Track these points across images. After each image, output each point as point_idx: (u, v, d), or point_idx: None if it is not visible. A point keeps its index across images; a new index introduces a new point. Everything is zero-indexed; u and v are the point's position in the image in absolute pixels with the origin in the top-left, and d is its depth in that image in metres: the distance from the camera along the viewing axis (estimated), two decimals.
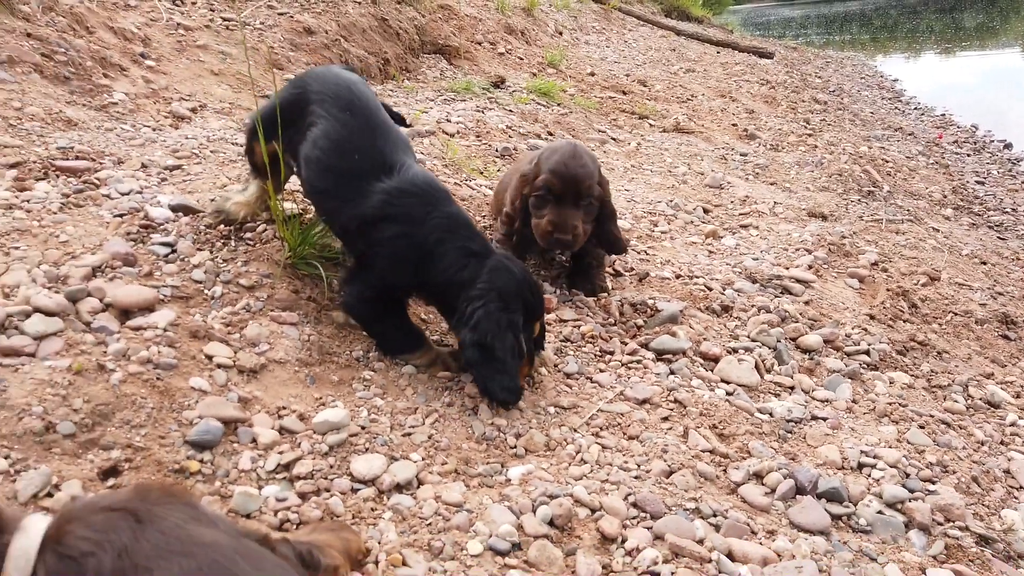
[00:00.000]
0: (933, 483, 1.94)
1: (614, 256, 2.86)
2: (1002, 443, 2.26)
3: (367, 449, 1.71)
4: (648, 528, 1.60)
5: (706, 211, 3.94)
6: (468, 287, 1.93)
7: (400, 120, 2.56)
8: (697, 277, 2.95)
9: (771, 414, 2.16)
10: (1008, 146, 7.62)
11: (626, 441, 1.93)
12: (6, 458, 1.41)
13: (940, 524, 1.80)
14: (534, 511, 1.59)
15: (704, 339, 2.48)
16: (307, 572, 1.22)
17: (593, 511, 1.63)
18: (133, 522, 0.94)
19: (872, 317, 2.90)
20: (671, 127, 5.87)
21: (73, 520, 0.94)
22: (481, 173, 3.63)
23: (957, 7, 24.65)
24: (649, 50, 10.10)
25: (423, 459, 1.73)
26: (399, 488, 1.63)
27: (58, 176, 2.37)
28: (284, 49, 4.32)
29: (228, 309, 1.98)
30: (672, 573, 1.48)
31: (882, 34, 20.40)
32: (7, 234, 1.99)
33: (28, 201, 2.17)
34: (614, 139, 5.21)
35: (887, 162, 5.84)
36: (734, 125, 6.46)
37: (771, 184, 4.83)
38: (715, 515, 1.68)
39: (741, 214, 3.98)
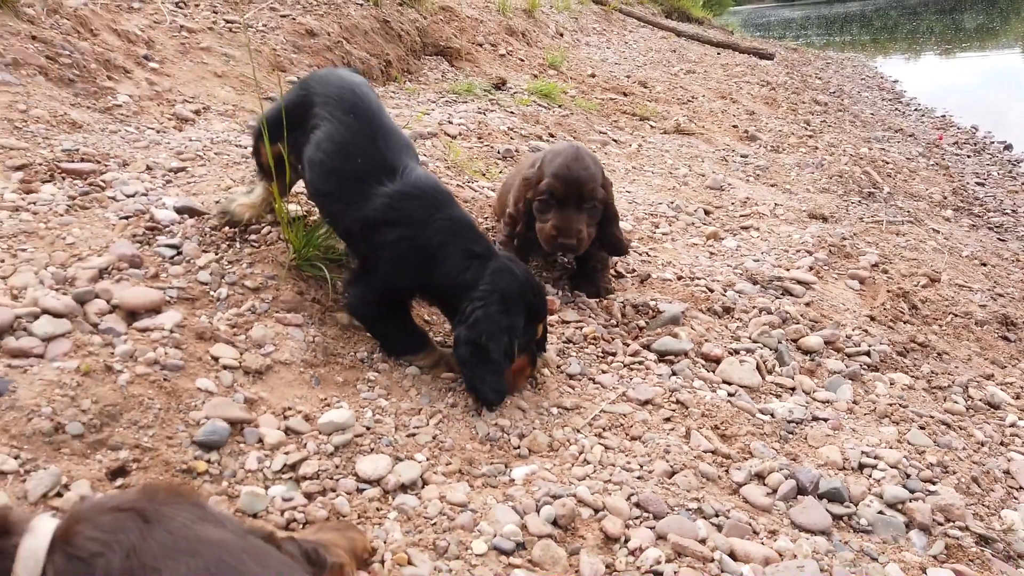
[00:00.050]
0: (933, 483, 1.95)
1: (615, 258, 2.88)
2: (1002, 444, 2.28)
3: (372, 449, 1.73)
4: (651, 528, 1.61)
5: (707, 213, 3.95)
6: (471, 289, 1.94)
7: None
8: (698, 279, 2.97)
9: (772, 415, 2.18)
10: (1008, 147, 7.64)
11: (629, 442, 1.94)
12: (16, 458, 1.42)
13: (940, 524, 1.82)
14: (538, 511, 1.60)
15: (706, 340, 2.50)
16: (313, 570, 1.24)
17: (596, 511, 1.64)
18: (141, 522, 0.95)
19: (872, 318, 2.91)
20: (672, 128, 5.88)
21: (81, 521, 0.95)
22: (483, 175, 3.64)
23: (957, 8, 24.67)
24: (650, 51, 10.12)
25: (428, 459, 1.74)
26: (404, 488, 1.65)
27: (64, 178, 2.38)
28: (287, 51, 4.34)
29: (234, 311, 1.99)
30: (675, 572, 1.50)
31: (882, 35, 20.42)
32: (14, 236, 2.01)
33: (35, 203, 2.18)
34: (615, 141, 5.23)
35: (887, 163, 5.85)
36: (735, 127, 6.48)
37: (772, 186, 4.85)
38: (717, 515, 1.69)
39: (742, 216, 4.00)
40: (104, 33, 3.51)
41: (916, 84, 11.56)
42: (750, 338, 2.58)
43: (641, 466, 1.83)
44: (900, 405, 2.34)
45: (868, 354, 2.60)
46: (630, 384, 2.19)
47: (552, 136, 4.72)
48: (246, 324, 1.97)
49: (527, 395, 2.07)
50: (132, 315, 1.84)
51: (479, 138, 4.16)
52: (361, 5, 5.21)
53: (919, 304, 3.13)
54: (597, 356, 2.36)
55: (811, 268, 3.24)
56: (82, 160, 2.50)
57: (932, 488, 1.93)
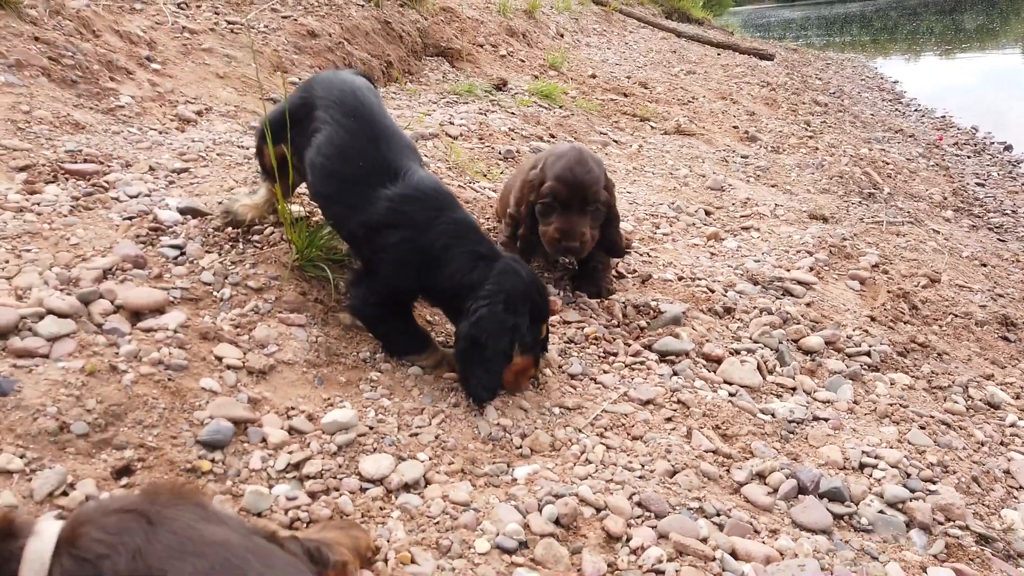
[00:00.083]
0: (934, 483, 1.96)
1: (614, 259, 2.88)
2: (1002, 444, 2.29)
3: (375, 449, 1.74)
4: (652, 527, 1.62)
5: (708, 213, 3.96)
6: (476, 289, 1.95)
7: None
8: (699, 279, 2.98)
9: (773, 415, 2.18)
10: (1008, 148, 7.64)
11: (630, 441, 1.95)
12: (22, 457, 1.43)
13: (941, 523, 1.83)
14: (540, 510, 1.61)
15: (707, 341, 2.51)
16: (316, 568, 1.24)
17: (598, 510, 1.65)
18: (145, 523, 0.96)
19: (873, 319, 2.92)
20: (672, 129, 5.89)
21: (86, 523, 0.96)
22: (484, 176, 3.65)
23: (957, 9, 24.68)
24: (650, 52, 10.13)
25: (430, 459, 1.75)
26: (407, 487, 1.65)
27: (67, 179, 2.39)
28: (288, 52, 4.35)
29: (237, 311, 2.00)
30: (677, 571, 1.51)
31: (882, 36, 20.43)
32: (18, 236, 2.02)
33: (38, 204, 2.19)
34: (616, 141, 5.24)
35: (887, 164, 5.86)
36: (735, 127, 6.49)
37: (772, 186, 4.85)
38: (719, 514, 1.70)
39: (742, 216, 4.00)
40: (106, 34, 3.52)
41: (916, 85, 11.57)
42: (751, 338, 2.59)
43: (643, 465, 1.84)
44: (900, 405, 2.35)
45: (868, 354, 2.61)
46: (631, 384, 2.20)
47: (553, 137, 4.73)
48: (249, 324, 1.98)
49: (529, 395, 2.08)
50: (136, 315, 1.85)
51: (480, 139, 4.17)
52: (362, 6, 5.22)
53: (919, 304, 3.14)
54: (599, 356, 2.36)
55: (811, 269, 3.25)
56: (85, 161, 2.51)
57: (932, 488, 1.93)
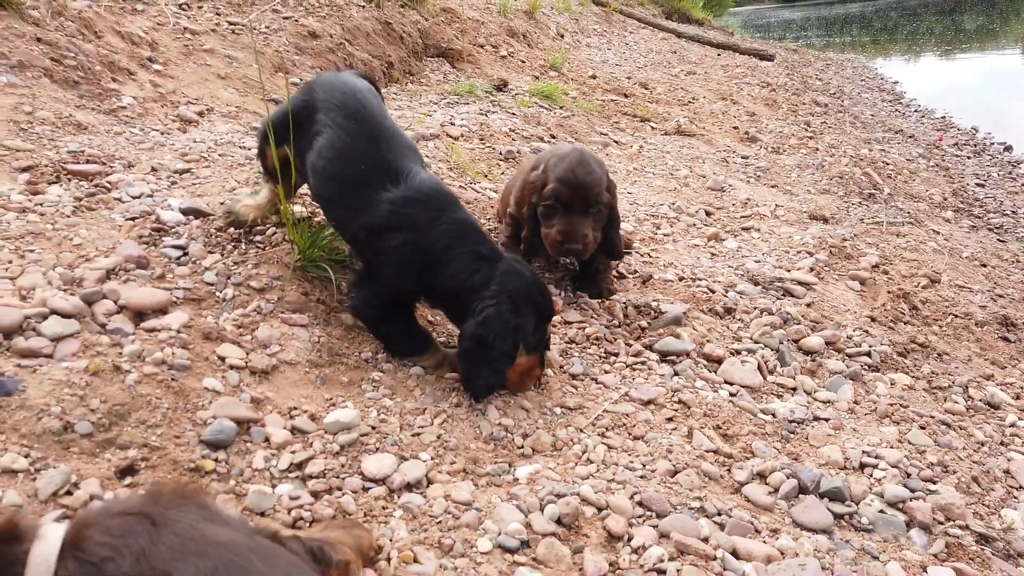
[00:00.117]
0: (934, 483, 1.97)
1: (612, 261, 2.88)
2: (1002, 444, 2.29)
3: (377, 449, 1.75)
4: (654, 526, 1.63)
5: (708, 214, 3.97)
6: (480, 291, 1.96)
7: None
8: (700, 279, 2.98)
9: (774, 415, 2.19)
10: (1008, 148, 7.65)
11: (631, 441, 1.96)
12: (26, 457, 1.44)
13: (941, 523, 1.83)
14: (542, 510, 1.62)
15: (707, 341, 2.51)
16: (319, 567, 1.25)
17: (600, 510, 1.66)
18: (149, 525, 0.96)
19: (873, 319, 2.93)
20: (672, 130, 5.90)
21: (90, 526, 0.96)
22: (485, 176, 3.66)
23: (957, 9, 24.69)
24: (650, 53, 10.14)
25: (432, 459, 1.76)
26: (409, 487, 1.66)
27: (70, 180, 2.40)
28: (289, 53, 4.36)
29: (239, 311, 2.01)
30: (678, 570, 1.51)
31: (882, 36, 20.44)
32: (22, 237, 2.03)
33: (41, 204, 2.20)
34: (616, 142, 5.25)
35: (887, 165, 5.87)
36: (735, 128, 6.50)
37: (772, 187, 4.86)
38: (720, 514, 1.70)
39: (743, 217, 4.01)
40: (108, 35, 3.52)
41: (916, 85, 11.58)
42: (751, 339, 2.59)
43: (644, 465, 1.85)
44: (901, 405, 2.36)
45: (869, 354, 2.62)
46: (632, 384, 2.21)
47: (554, 137, 4.74)
48: (252, 324, 1.99)
49: (530, 395, 2.09)
50: (139, 315, 1.86)
51: (481, 139, 4.18)
52: (363, 7, 5.23)
53: (919, 305, 3.15)
54: (600, 356, 2.37)
55: (812, 269, 3.26)
56: (88, 162, 2.52)
57: (932, 487, 1.94)
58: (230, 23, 4.28)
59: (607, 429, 1.99)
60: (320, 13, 4.83)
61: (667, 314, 2.58)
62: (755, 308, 2.79)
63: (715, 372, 2.37)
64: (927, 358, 2.74)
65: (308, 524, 1.51)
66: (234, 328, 1.95)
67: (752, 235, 3.71)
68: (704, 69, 9.68)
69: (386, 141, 2.12)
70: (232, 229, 2.29)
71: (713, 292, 2.88)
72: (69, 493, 1.42)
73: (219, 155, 2.90)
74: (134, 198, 2.36)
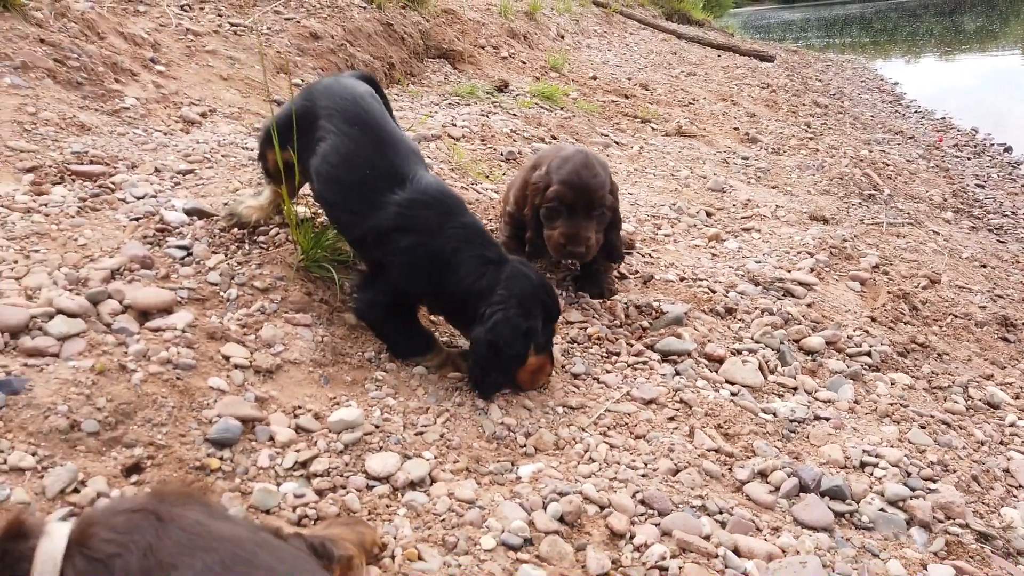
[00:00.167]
0: (934, 482, 1.98)
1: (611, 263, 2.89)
2: (1001, 443, 2.30)
3: (381, 447, 1.76)
4: (656, 524, 1.64)
5: (709, 215, 3.98)
6: (487, 295, 1.97)
7: None
8: (701, 280, 2.99)
9: (775, 414, 2.20)
10: (1008, 149, 7.67)
11: (633, 440, 1.97)
12: (34, 455, 1.45)
13: (941, 521, 1.84)
14: (544, 508, 1.63)
15: (708, 341, 2.53)
16: (321, 563, 1.26)
17: (602, 508, 1.67)
18: (155, 521, 0.97)
19: (873, 319, 2.94)
20: (673, 131, 5.91)
21: (96, 523, 0.97)
22: (487, 177, 3.67)
23: (957, 10, 24.72)
24: (650, 54, 10.15)
25: (435, 457, 1.77)
26: (413, 485, 1.67)
27: (74, 180, 2.41)
28: (291, 54, 4.37)
29: (243, 311, 2.02)
30: (680, 568, 1.52)
31: (882, 37, 20.47)
32: (27, 237, 2.04)
33: (46, 205, 2.21)
34: (617, 143, 5.26)
35: (888, 165, 5.88)
36: (735, 129, 6.51)
37: (773, 188, 4.88)
38: (721, 512, 1.72)
39: (743, 217, 4.02)
40: (111, 36, 3.54)
41: (916, 86, 11.60)
42: (752, 338, 2.60)
43: (646, 464, 1.86)
44: (901, 405, 2.37)
45: (869, 354, 2.63)
46: (634, 384, 2.22)
47: (555, 138, 4.75)
48: (256, 324, 2.00)
49: (533, 394, 2.10)
50: (144, 315, 1.87)
51: (482, 140, 4.19)
52: (364, 8, 5.24)
53: (919, 305, 3.16)
54: (601, 356, 2.38)
55: (812, 269, 3.27)
56: (91, 162, 2.53)
57: (933, 486, 1.95)
58: (232, 24, 4.29)
59: (609, 428, 2.01)
60: (322, 14, 4.84)
61: (668, 314, 2.59)
62: (756, 308, 2.80)
63: (716, 372, 2.38)
64: (927, 358, 2.76)
65: (313, 522, 1.52)
66: (238, 328, 1.96)
67: (753, 236, 3.72)
68: (704, 70, 9.70)
69: (391, 145, 2.13)
70: (236, 230, 2.30)
71: (714, 292, 2.89)
72: (76, 491, 1.43)
73: (222, 156, 2.91)
74: (138, 199, 2.37)
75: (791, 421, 2.18)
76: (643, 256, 3.17)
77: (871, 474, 1.99)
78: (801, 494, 1.86)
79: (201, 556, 0.96)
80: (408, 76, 5.31)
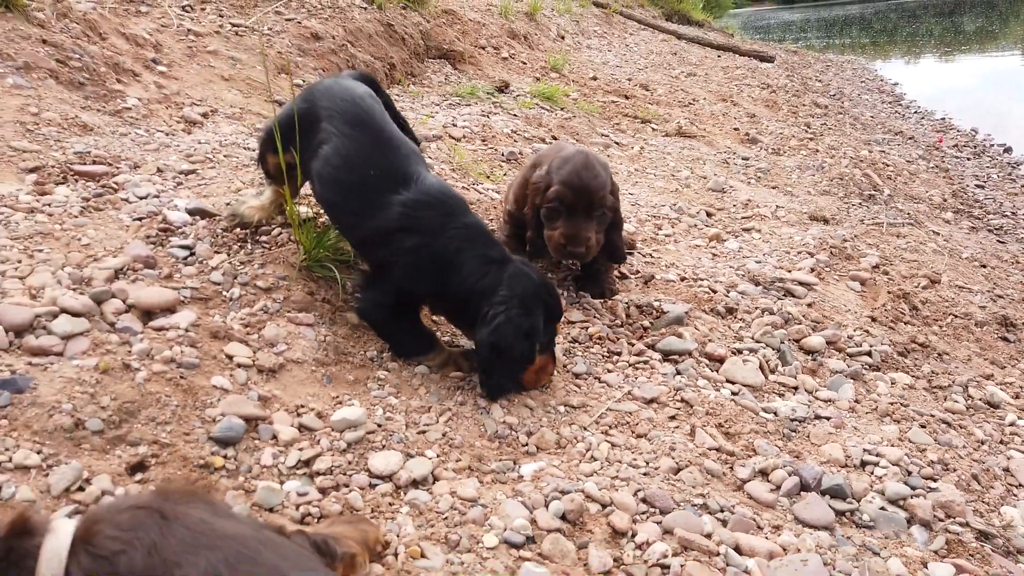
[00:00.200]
0: (934, 480, 1.99)
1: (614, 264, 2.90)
2: (1001, 442, 2.31)
3: (384, 446, 1.76)
4: (657, 523, 1.65)
5: (709, 215, 3.99)
6: (490, 294, 1.98)
7: (413, 139, 2.63)
8: (701, 280, 3.00)
9: (775, 413, 2.21)
10: (1008, 150, 7.68)
11: (635, 439, 1.98)
12: (38, 453, 1.45)
13: (941, 520, 1.85)
14: (546, 506, 1.64)
15: (709, 340, 2.53)
16: (324, 560, 1.27)
17: (604, 506, 1.68)
18: (159, 519, 0.98)
19: (873, 319, 2.95)
20: (673, 131, 5.92)
21: (100, 520, 0.97)
22: (488, 177, 3.68)
23: (956, 11, 24.74)
24: (650, 54, 10.16)
25: (438, 456, 1.78)
26: (415, 484, 1.68)
27: (77, 180, 2.42)
28: (292, 54, 4.38)
29: (246, 310, 2.03)
30: (682, 566, 1.53)
31: (882, 38, 20.48)
32: (30, 237, 2.05)
33: (49, 205, 2.22)
34: (617, 143, 5.27)
35: (888, 166, 5.89)
36: (736, 129, 6.52)
37: (773, 188, 4.88)
38: (722, 510, 1.72)
39: (743, 218, 4.03)
40: (113, 37, 3.54)
41: (916, 87, 11.61)
42: (753, 338, 2.61)
43: (647, 463, 1.87)
44: (901, 404, 2.38)
45: (869, 354, 2.64)
46: (635, 383, 2.23)
47: (555, 139, 4.76)
48: (259, 323, 2.01)
49: (535, 394, 2.11)
50: (148, 314, 1.88)
51: (483, 140, 4.20)
52: (365, 9, 5.25)
53: (919, 305, 3.17)
54: (603, 356, 2.39)
55: (812, 269, 3.28)
56: (94, 162, 2.54)
57: (933, 485, 1.96)
58: (233, 25, 4.30)
59: (610, 427, 2.01)
60: (322, 15, 4.85)
61: (669, 314, 2.60)
62: (756, 308, 2.81)
63: (717, 371, 2.39)
64: (927, 358, 2.76)
65: (316, 520, 1.53)
66: (241, 327, 1.97)
67: (753, 236, 3.73)
68: (704, 71, 9.71)
69: (393, 146, 2.14)
70: (238, 229, 2.31)
71: (715, 292, 2.90)
72: (81, 489, 1.43)
73: (224, 156, 2.92)
74: (141, 199, 2.38)
75: (792, 420, 2.19)
76: (644, 256, 3.18)
77: (872, 473, 2.00)
78: (802, 493, 1.87)
79: (205, 554, 0.97)
80: (409, 76, 5.32)
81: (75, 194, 2.31)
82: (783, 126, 7.05)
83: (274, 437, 1.70)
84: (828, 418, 2.23)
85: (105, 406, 1.58)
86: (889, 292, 3.20)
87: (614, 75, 7.76)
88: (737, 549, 1.61)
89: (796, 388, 2.39)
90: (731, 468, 1.92)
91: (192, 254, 2.16)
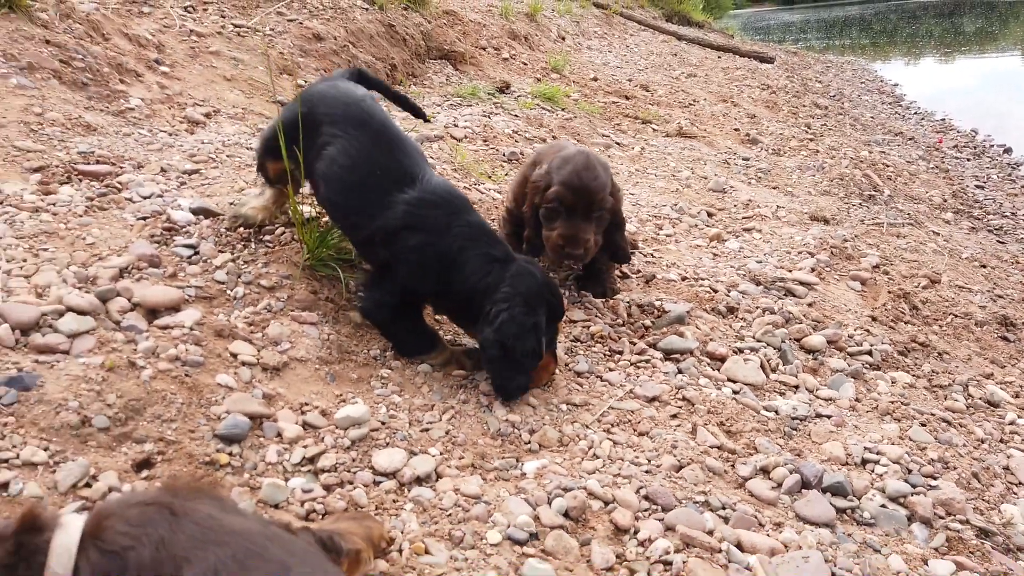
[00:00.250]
0: (935, 478, 2.00)
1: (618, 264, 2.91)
2: (1001, 441, 2.32)
3: (387, 444, 1.77)
4: (660, 520, 1.66)
5: (710, 215, 4.00)
6: (492, 292, 1.99)
7: (419, 114, 2.75)
8: (702, 279, 3.01)
9: (777, 412, 2.22)
10: (1007, 150, 7.69)
11: (636, 437, 1.99)
12: (45, 450, 1.47)
13: (941, 517, 1.86)
14: (549, 503, 1.65)
15: (710, 339, 2.54)
16: (330, 556, 1.28)
17: (606, 503, 1.69)
18: (168, 515, 0.99)
19: (874, 319, 2.96)
20: (674, 132, 5.93)
21: (110, 516, 0.98)
22: (489, 177, 3.69)
23: (956, 12, 24.76)
24: (651, 55, 10.18)
25: (441, 453, 1.79)
26: (419, 481, 1.69)
27: (81, 180, 2.43)
28: (294, 55, 4.39)
29: (250, 309, 2.04)
30: (684, 562, 1.54)
31: (882, 38, 20.50)
32: (35, 236, 2.06)
33: (54, 204, 2.23)
34: (618, 144, 5.28)
35: (888, 166, 5.91)
36: (736, 130, 6.53)
37: (773, 188, 4.90)
38: (724, 508, 1.73)
39: (744, 218, 4.04)
40: (115, 37, 3.56)
41: (916, 87, 11.63)
42: (754, 337, 2.62)
43: (649, 460, 1.88)
44: (902, 403, 2.39)
45: (870, 353, 2.65)
46: (637, 382, 2.24)
47: (556, 139, 4.77)
48: (263, 322, 2.02)
49: (537, 392, 2.12)
50: (153, 313, 1.89)
51: (484, 141, 4.21)
52: (366, 10, 5.26)
53: (920, 305, 3.18)
54: (604, 354, 2.40)
55: (813, 269, 3.29)
56: (98, 162, 2.55)
57: (933, 483, 1.97)
58: (235, 25, 4.31)
59: (612, 425, 2.02)
60: (324, 16, 4.86)
61: (671, 313, 2.61)
62: (757, 307, 2.82)
63: (718, 370, 2.40)
64: (927, 357, 2.77)
65: (321, 516, 1.54)
66: (245, 325, 1.98)
67: (754, 236, 3.74)
68: (704, 71, 9.72)
69: (397, 146, 2.15)
70: (242, 229, 2.32)
71: (716, 292, 2.91)
72: (88, 485, 1.44)
73: (227, 156, 2.93)
74: (144, 198, 2.39)
75: (793, 419, 2.20)
76: (645, 256, 3.19)
77: (872, 471, 2.01)
78: (803, 490, 1.88)
79: (213, 550, 0.97)
80: (410, 77, 5.33)
81: (79, 193, 2.32)
82: (783, 127, 7.06)
83: (279, 434, 1.71)
84: (829, 416, 2.24)
85: (111, 403, 1.59)
86: (889, 292, 3.21)
87: (615, 76, 7.78)
88: (739, 546, 1.63)
89: (797, 387, 2.41)
90: (732, 466, 1.93)
91: (196, 253, 2.17)
